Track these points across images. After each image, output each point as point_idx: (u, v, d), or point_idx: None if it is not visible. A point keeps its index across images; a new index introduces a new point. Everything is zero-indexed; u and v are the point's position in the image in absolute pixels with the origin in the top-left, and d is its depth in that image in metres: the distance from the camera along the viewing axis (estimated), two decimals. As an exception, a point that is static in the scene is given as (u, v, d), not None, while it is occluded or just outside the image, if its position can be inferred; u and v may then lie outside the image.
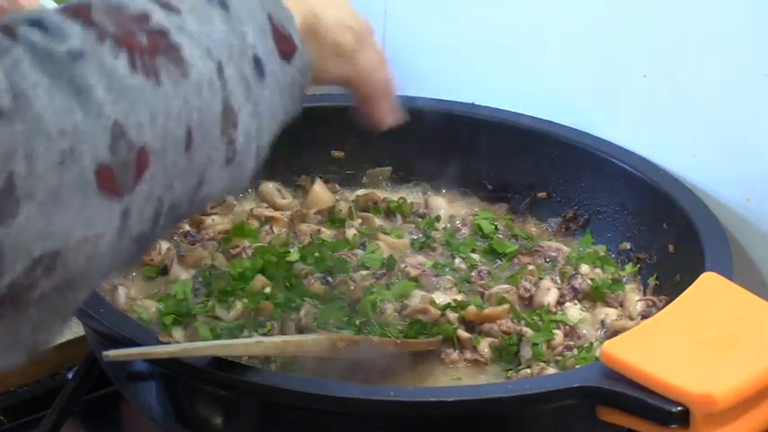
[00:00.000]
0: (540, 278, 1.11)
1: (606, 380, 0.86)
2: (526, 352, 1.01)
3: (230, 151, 0.69)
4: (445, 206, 1.24)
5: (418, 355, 1.01)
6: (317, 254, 1.11)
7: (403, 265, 1.12)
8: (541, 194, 1.24)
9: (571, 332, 1.05)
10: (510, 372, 1.00)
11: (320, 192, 1.24)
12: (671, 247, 1.11)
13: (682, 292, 0.96)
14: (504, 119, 1.25)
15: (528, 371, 0.99)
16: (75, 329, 1.10)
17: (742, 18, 1.10)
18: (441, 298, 1.07)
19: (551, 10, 1.24)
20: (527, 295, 1.08)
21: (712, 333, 0.89)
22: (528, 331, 1.03)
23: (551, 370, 0.99)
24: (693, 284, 0.96)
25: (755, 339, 0.90)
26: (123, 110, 0.61)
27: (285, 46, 0.73)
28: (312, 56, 0.77)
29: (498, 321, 1.03)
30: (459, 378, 1.00)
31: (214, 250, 1.12)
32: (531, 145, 1.24)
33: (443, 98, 1.27)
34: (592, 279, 1.12)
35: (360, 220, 1.20)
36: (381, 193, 1.26)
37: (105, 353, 0.85)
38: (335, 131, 1.25)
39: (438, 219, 1.22)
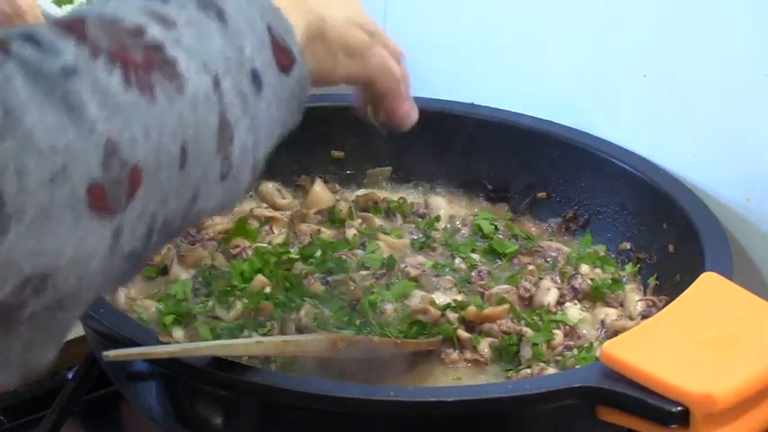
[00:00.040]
0: (540, 278, 1.11)
1: (606, 380, 0.86)
2: (526, 352, 1.01)
3: (226, 166, 0.68)
4: (445, 206, 1.24)
5: (418, 355, 1.01)
6: (317, 254, 1.11)
7: (403, 265, 1.12)
8: (541, 194, 1.24)
9: (571, 332, 1.05)
10: (510, 372, 1.00)
11: (320, 192, 1.24)
12: (671, 247, 1.11)
13: (682, 292, 0.96)
14: (504, 119, 1.25)
15: (528, 371, 0.99)
16: (75, 329, 1.09)
17: (742, 18, 1.10)
18: (441, 298, 1.07)
19: (551, 10, 1.24)
20: (527, 295, 1.08)
21: (712, 333, 0.89)
22: (528, 331, 1.03)
23: (551, 370, 0.99)
24: (693, 284, 0.96)
25: (755, 339, 0.90)
26: (116, 127, 0.60)
27: (284, 58, 0.72)
28: (317, 63, 0.77)
29: (498, 321, 1.03)
30: (459, 378, 1.00)
31: (214, 250, 1.12)
32: (531, 145, 1.24)
33: (443, 98, 1.27)
34: (592, 279, 1.12)
35: (360, 220, 1.20)
36: (381, 193, 1.26)
37: (105, 353, 0.85)
38: (335, 131, 1.25)
39: (438, 219, 1.22)
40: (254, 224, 1.18)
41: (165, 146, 0.63)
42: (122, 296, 1.05)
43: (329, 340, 0.95)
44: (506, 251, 1.16)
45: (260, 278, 1.06)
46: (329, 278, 1.08)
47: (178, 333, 1.00)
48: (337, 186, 1.27)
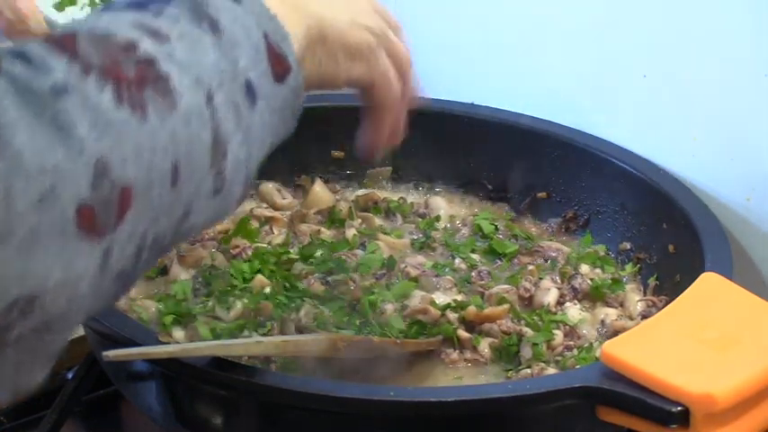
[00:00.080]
0: (540, 278, 1.11)
1: (606, 380, 0.86)
2: (526, 352, 1.01)
3: (219, 181, 0.67)
4: (445, 206, 1.24)
5: (418, 354, 1.01)
6: (317, 254, 1.11)
7: (403, 266, 1.12)
8: (541, 194, 1.24)
9: (571, 332, 1.05)
10: (510, 372, 1.00)
11: (320, 192, 1.24)
12: (671, 247, 1.11)
13: (682, 292, 0.96)
14: (504, 119, 1.25)
15: (528, 371, 0.99)
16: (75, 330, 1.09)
17: (742, 18, 1.10)
18: (441, 298, 1.07)
19: (551, 10, 1.24)
20: (527, 295, 1.08)
21: (712, 333, 0.89)
22: (528, 331, 1.03)
23: (551, 370, 0.99)
24: (693, 284, 0.96)
25: (755, 339, 0.90)
26: (107, 146, 0.59)
27: (279, 66, 0.71)
28: (319, 67, 0.76)
29: (498, 321, 1.03)
30: (459, 378, 1.00)
31: (214, 250, 1.12)
32: (531, 145, 1.24)
33: (443, 98, 1.27)
34: (592, 279, 1.12)
35: (360, 220, 1.20)
36: (381, 193, 1.26)
37: (105, 353, 0.85)
38: (335, 131, 1.25)
39: (438, 219, 1.22)
40: (254, 224, 1.17)
41: (157, 164, 0.62)
42: (122, 296, 1.05)
43: (329, 340, 0.95)
44: (506, 251, 1.16)
45: (260, 278, 1.06)
46: (329, 278, 1.08)
47: (178, 333, 1.00)
48: (337, 186, 1.27)
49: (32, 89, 0.58)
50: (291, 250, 1.12)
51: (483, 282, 1.10)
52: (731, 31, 1.10)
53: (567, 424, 0.90)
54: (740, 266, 1.06)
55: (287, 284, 1.06)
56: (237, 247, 1.12)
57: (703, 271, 0.99)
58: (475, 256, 1.15)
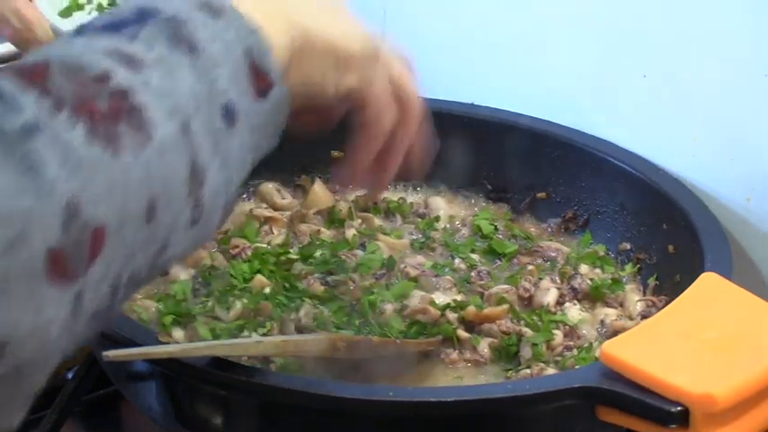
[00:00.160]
0: (540, 278, 1.11)
1: (606, 380, 0.86)
2: (526, 352, 1.01)
3: (196, 212, 0.65)
4: (445, 206, 1.24)
5: (418, 354, 1.01)
6: (317, 254, 1.11)
7: (403, 266, 1.12)
8: (541, 194, 1.24)
9: (571, 332, 1.05)
10: (510, 372, 1.00)
11: (320, 192, 1.24)
12: (671, 248, 1.11)
13: (682, 292, 0.96)
14: (504, 119, 1.25)
15: (528, 371, 0.99)
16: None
17: (742, 18, 1.10)
18: (440, 298, 1.07)
19: (551, 10, 1.24)
20: (527, 295, 1.08)
21: (712, 333, 0.89)
22: (528, 331, 1.03)
23: (551, 370, 0.99)
24: (693, 284, 0.96)
25: (755, 339, 0.90)
26: (78, 186, 0.56)
27: (261, 82, 0.69)
28: (305, 79, 0.74)
29: (498, 321, 1.03)
30: (459, 378, 1.00)
31: (214, 250, 1.12)
32: (531, 145, 1.23)
33: (443, 98, 1.27)
34: (591, 279, 1.12)
35: (359, 221, 1.20)
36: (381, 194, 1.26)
37: (105, 353, 0.85)
38: (335, 131, 1.25)
39: (438, 219, 1.22)
40: (254, 224, 1.17)
41: (131, 201, 0.59)
42: (122, 296, 1.05)
43: (329, 340, 0.95)
44: (506, 251, 1.16)
45: (260, 278, 1.06)
46: (329, 278, 1.08)
47: (178, 333, 1.00)
48: (337, 186, 1.27)
49: (3, 129, 0.55)
50: (291, 250, 1.12)
51: (482, 282, 1.10)
52: (731, 31, 1.10)
53: (567, 424, 0.90)
54: (740, 266, 1.06)
55: (287, 284, 1.06)
56: (237, 247, 1.12)
57: (703, 271, 0.99)
58: (474, 257, 1.15)
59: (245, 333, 1.00)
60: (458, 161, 1.26)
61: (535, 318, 1.05)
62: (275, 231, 1.17)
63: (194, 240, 0.67)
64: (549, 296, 1.08)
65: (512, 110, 1.26)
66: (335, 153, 1.25)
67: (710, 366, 0.86)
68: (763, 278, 1.14)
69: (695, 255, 1.04)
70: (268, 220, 1.19)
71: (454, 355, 1.02)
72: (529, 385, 0.89)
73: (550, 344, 1.02)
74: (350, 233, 1.16)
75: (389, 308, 1.04)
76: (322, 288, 1.07)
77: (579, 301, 1.09)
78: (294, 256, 1.11)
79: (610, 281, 1.12)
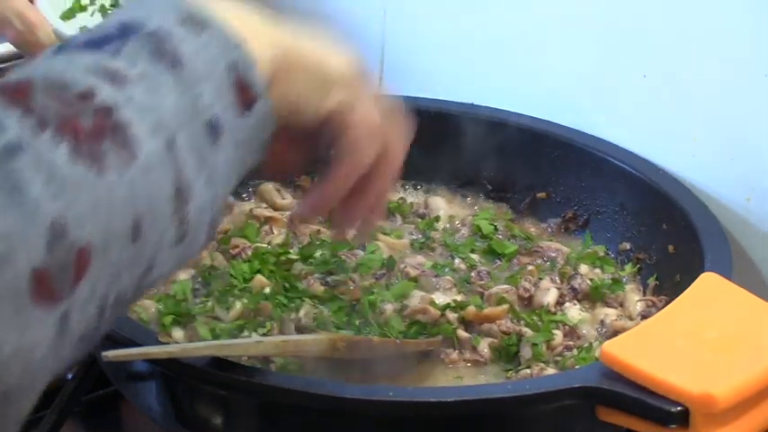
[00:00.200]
0: (540, 278, 1.11)
1: (606, 380, 0.86)
2: (526, 352, 1.01)
3: (182, 230, 0.64)
4: (445, 206, 1.24)
5: (418, 354, 1.01)
6: (317, 254, 1.11)
7: (402, 266, 1.12)
8: (541, 194, 1.24)
9: (571, 332, 1.05)
10: (510, 372, 1.00)
11: (320, 192, 1.24)
12: (671, 248, 1.11)
13: (682, 292, 0.96)
14: (504, 119, 1.25)
15: (528, 371, 0.99)
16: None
17: (742, 18, 1.10)
18: (440, 298, 1.07)
19: (551, 10, 1.24)
20: (527, 295, 1.08)
21: (712, 333, 0.89)
22: (527, 331, 1.03)
23: (551, 370, 0.99)
24: (693, 284, 0.96)
25: (755, 339, 0.90)
26: (62, 206, 0.56)
27: (245, 96, 0.68)
28: (288, 96, 0.72)
29: (498, 321, 1.03)
30: (459, 378, 1.00)
31: (213, 250, 1.12)
32: (531, 145, 1.23)
33: (443, 98, 1.27)
34: (591, 279, 1.11)
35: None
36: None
37: (105, 353, 0.85)
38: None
39: (437, 219, 1.22)
40: (254, 224, 1.17)
41: (116, 220, 0.59)
42: (122, 296, 1.05)
43: (329, 340, 0.95)
44: (506, 251, 1.16)
45: (260, 278, 1.06)
46: (329, 278, 1.08)
47: (178, 333, 1.00)
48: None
49: None
50: (291, 250, 1.12)
51: (482, 282, 1.10)
52: (731, 31, 1.10)
53: (567, 424, 0.90)
54: (740, 266, 1.06)
55: (287, 285, 1.06)
56: (237, 247, 1.12)
57: (703, 271, 0.99)
58: (474, 257, 1.15)
59: (245, 333, 1.00)
60: (458, 161, 1.26)
61: (535, 318, 1.05)
62: (275, 231, 1.17)
63: (180, 259, 0.66)
64: (549, 296, 1.08)
65: (512, 110, 1.26)
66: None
67: (710, 366, 0.86)
68: (763, 278, 1.14)
69: (695, 255, 1.04)
70: (268, 220, 1.19)
71: (454, 355, 1.02)
72: (529, 385, 0.90)
73: (550, 344, 1.02)
74: (350, 233, 1.16)
75: (389, 308, 1.04)
76: (322, 288, 1.07)
77: (579, 301, 1.09)
78: (294, 256, 1.11)
79: (610, 281, 1.12)
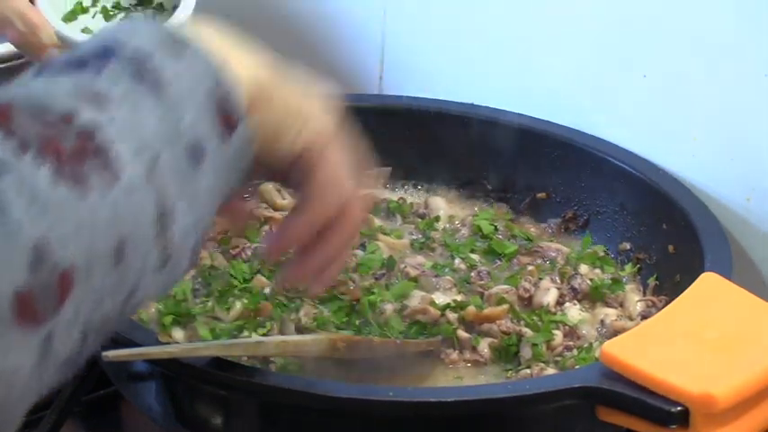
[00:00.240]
0: (540, 278, 1.11)
1: (606, 380, 0.86)
2: (526, 352, 1.01)
3: (165, 255, 0.64)
4: (445, 206, 1.24)
5: (418, 354, 1.01)
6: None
7: (402, 266, 1.12)
8: (541, 195, 1.24)
9: (571, 332, 1.05)
10: (510, 372, 1.00)
11: (320, 192, 1.24)
12: (671, 248, 1.11)
13: (682, 292, 0.96)
14: (504, 119, 1.25)
15: (528, 371, 0.99)
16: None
17: (742, 18, 1.10)
18: (440, 298, 1.07)
19: (551, 10, 1.24)
20: (527, 295, 1.08)
21: (712, 333, 0.89)
22: (527, 331, 1.03)
23: (551, 370, 0.99)
24: (693, 285, 0.96)
25: (755, 339, 0.90)
26: (45, 227, 0.55)
27: (227, 120, 0.67)
28: (264, 124, 0.72)
29: (498, 321, 1.03)
30: (459, 378, 1.00)
31: (213, 250, 1.12)
32: (530, 145, 1.23)
33: (443, 98, 1.27)
34: (591, 279, 1.11)
35: (359, 221, 1.20)
36: (381, 194, 1.26)
37: (105, 353, 0.85)
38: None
39: (437, 219, 1.22)
40: (254, 224, 1.17)
41: (99, 242, 0.58)
42: (122, 296, 1.05)
43: (329, 340, 0.95)
44: (506, 251, 1.16)
45: (260, 278, 1.06)
46: (328, 278, 1.08)
47: (178, 333, 1.00)
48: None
49: None
50: (291, 251, 1.12)
51: (482, 282, 1.10)
52: (731, 32, 1.10)
53: (567, 424, 0.90)
54: (740, 266, 1.06)
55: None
56: (237, 247, 1.12)
57: (703, 271, 0.99)
58: (474, 257, 1.15)
59: (245, 333, 1.00)
60: (458, 161, 1.26)
61: (535, 318, 1.05)
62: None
63: (163, 284, 0.66)
64: (549, 296, 1.08)
65: (512, 110, 1.26)
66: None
67: (710, 366, 0.86)
68: (763, 278, 1.14)
69: (695, 255, 1.04)
70: (268, 220, 1.19)
71: (454, 355, 1.02)
72: (529, 385, 0.90)
73: (550, 344, 1.02)
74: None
75: (389, 308, 1.04)
76: (322, 288, 1.07)
77: (579, 301, 1.09)
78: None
79: (610, 281, 1.12)
